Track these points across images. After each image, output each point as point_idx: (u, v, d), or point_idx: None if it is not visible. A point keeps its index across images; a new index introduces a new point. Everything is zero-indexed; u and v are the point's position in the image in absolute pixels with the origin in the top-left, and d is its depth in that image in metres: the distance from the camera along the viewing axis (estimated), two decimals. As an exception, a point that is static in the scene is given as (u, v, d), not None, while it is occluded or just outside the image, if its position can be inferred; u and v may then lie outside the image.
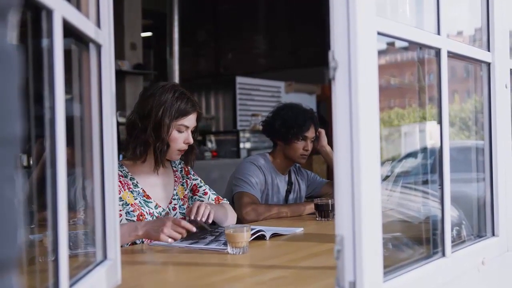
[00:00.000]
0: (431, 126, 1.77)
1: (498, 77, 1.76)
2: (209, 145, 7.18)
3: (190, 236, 2.02)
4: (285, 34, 9.39)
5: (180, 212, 2.33)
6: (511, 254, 1.80)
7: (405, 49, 1.70)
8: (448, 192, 1.47)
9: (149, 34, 9.61)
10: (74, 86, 1.29)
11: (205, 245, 1.95)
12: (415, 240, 1.67)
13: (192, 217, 2.10)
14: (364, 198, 1.11)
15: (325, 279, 1.49)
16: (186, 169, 2.44)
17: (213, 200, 2.42)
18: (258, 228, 2.10)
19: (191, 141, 2.25)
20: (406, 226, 1.84)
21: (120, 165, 2.22)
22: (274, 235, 2.15)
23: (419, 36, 1.43)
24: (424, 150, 2.03)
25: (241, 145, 7.10)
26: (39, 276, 1.20)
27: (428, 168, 1.88)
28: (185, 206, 2.38)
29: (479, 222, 1.81)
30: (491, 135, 1.76)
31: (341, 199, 1.12)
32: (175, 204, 2.32)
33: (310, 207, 2.77)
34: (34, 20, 0.95)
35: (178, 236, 1.91)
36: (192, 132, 2.27)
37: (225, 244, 1.88)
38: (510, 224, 1.80)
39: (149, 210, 2.20)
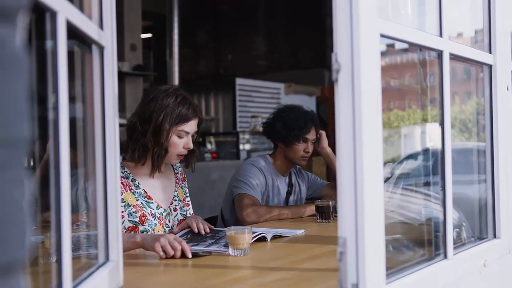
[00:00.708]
0: (431, 128, 1.78)
1: (500, 79, 1.76)
2: (209, 146, 7.18)
3: (190, 239, 2.02)
4: (284, 35, 9.39)
5: (180, 213, 2.33)
6: (513, 256, 1.80)
7: (405, 50, 1.70)
8: (450, 194, 1.47)
9: (149, 35, 9.61)
10: (76, 88, 1.29)
11: (205, 247, 1.95)
12: (417, 242, 1.67)
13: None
14: (367, 200, 1.11)
15: (327, 281, 1.49)
16: (184, 174, 2.45)
17: (190, 214, 2.42)
18: (259, 231, 2.10)
19: (191, 146, 2.24)
20: (407, 228, 1.84)
21: (122, 166, 2.21)
22: (275, 237, 2.15)
23: (421, 38, 1.43)
24: (424, 152, 2.04)
25: (241, 147, 7.10)
26: (41, 278, 1.20)
27: (428, 170, 1.88)
28: (185, 208, 2.38)
29: (481, 224, 1.81)
30: (492, 137, 1.76)
31: (343, 201, 1.12)
32: (175, 205, 2.33)
33: (310, 209, 2.77)
34: (38, 21, 0.95)
35: (171, 252, 1.81)
36: (193, 136, 2.26)
37: (225, 246, 1.88)
38: (512, 226, 1.81)
39: (150, 211, 2.20)
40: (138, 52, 7.59)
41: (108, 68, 1.33)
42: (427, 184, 1.85)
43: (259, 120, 7.05)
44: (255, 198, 2.77)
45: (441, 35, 1.47)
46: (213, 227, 2.20)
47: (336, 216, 2.56)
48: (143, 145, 2.16)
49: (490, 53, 1.76)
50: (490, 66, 1.76)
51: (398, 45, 1.48)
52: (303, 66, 8.75)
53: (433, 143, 1.77)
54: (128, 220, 2.13)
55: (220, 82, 8.69)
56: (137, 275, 1.64)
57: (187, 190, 2.45)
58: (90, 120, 1.31)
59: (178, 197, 2.35)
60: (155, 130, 2.15)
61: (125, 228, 2.13)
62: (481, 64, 1.76)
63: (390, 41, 1.33)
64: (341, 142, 1.13)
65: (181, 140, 2.21)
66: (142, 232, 2.14)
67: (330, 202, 2.62)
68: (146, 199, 2.22)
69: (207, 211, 3.95)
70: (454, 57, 1.54)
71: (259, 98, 7.71)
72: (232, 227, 1.93)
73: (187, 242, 1.98)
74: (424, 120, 1.88)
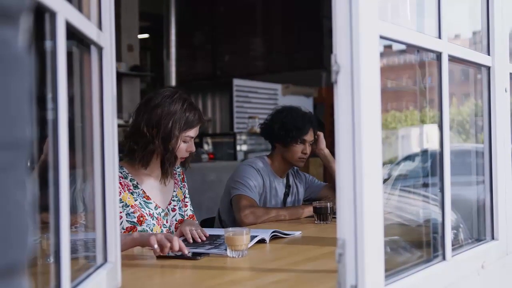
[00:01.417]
0: (429, 129, 1.78)
1: (498, 81, 1.77)
2: (206, 147, 7.17)
3: (190, 244, 2.01)
4: (282, 36, 9.39)
5: (179, 213, 2.33)
6: (511, 257, 1.80)
7: (402, 52, 1.70)
8: (449, 195, 1.47)
9: (146, 35, 9.61)
10: (75, 88, 1.29)
11: (205, 250, 1.93)
12: (415, 243, 1.67)
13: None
14: (366, 201, 1.11)
15: (326, 283, 1.49)
16: (182, 175, 2.45)
17: (187, 216, 2.41)
18: (257, 234, 2.09)
19: (194, 150, 2.28)
20: (406, 229, 1.84)
21: (120, 166, 2.21)
22: (274, 238, 2.15)
23: (420, 40, 1.43)
24: (422, 153, 2.04)
25: (238, 148, 7.09)
26: (38, 279, 1.20)
27: (426, 171, 1.88)
28: (184, 209, 2.38)
29: (479, 226, 1.81)
30: (491, 138, 1.76)
31: (343, 203, 1.12)
32: (174, 206, 2.33)
33: (308, 210, 2.77)
34: (37, 22, 0.95)
35: (167, 243, 1.76)
36: (194, 139, 2.29)
37: (225, 251, 1.87)
38: (510, 228, 1.81)
39: (149, 211, 2.20)
40: (135, 52, 7.59)
41: (107, 68, 1.33)
42: (425, 185, 1.85)
43: (256, 121, 7.04)
44: (252, 199, 2.76)
45: (440, 37, 1.48)
46: (207, 234, 2.12)
47: (334, 218, 2.56)
48: (151, 151, 2.17)
49: (489, 55, 1.76)
50: (488, 68, 1.77)
51: (395, 47, 1.47)
52: (300, 67, 8.75)
53: (431, 144, 1.77)
54: (126, 220, 2.13)
55: (217, 83, 8.68)
56: (135, 276, 1.63)
57: (187, 191, 2.45)
58: (89, 121, 1.31)
59: (177, 197, 2.36)
60: (164, 137, 2.17)
61: (123, 229, 2.13)
62: (479, 66, 1.76)
63: (387, 42, 1.33)
64: (340, 144, 1.12)
65: (185, 144, 2.23)
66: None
67: (328, 204, 2.61)
68: (144, 199, 2.22)
69: (204, 212, 3.94)
70: (453, 59, 1.54)
71: (256, 99, 7.70)
72: (230, 228, 1.93)
73: (187, 247, 1.98)
74: (422, 121, 1.88)
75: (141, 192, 2.22)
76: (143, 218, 2.16)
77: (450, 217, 1.49)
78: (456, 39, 1.90)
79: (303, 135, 2.89)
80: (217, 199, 3.23)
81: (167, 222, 2.28)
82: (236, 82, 7.58)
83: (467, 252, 1.62)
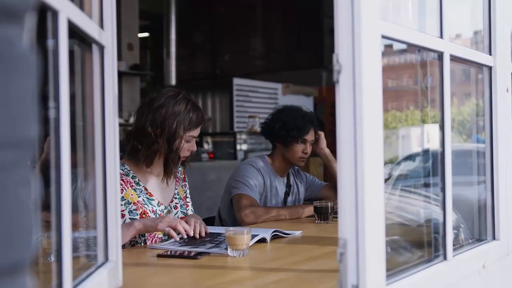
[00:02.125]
0: (430, 129, 1.78)
1: (500, 81, 1.76)
2: (206, 146, 7.17)
3: (189, 243, 2.01)
4: (282, 35, 9.39)
5: (181, 211, 2.34)
6: (512, 257, 1.81)
7: (402, 51, 1.70)
8: (450, 195, 1.47)
9: (146, 34, 9.61)
10: (76, 87, 1.28)
11: (206, 249, 1.94)
12: (416, 243, 1.67)
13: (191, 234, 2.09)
14: (367, 201, 1.11)
15: (327, 282, 1.49)
16: (184, 175, 2.45)
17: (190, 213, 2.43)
18: (258, 233, 2.09)
19: (195, 149, 2.30)
20: (407, 229, 1.83)
21: (122, 163, 2.22)
22: (274, 238, 2.14)
23: (422, 40, 1.43)
24: (422, 153, 2.04)
25: (238, 147, 7.09)
26: (40, 278, 1.19)
27: (427, 171, 1.88)
28: (185, 207, 2.39)
29: (480, 226, 1.81)
30: (492, 138, 1.76)
31: (344, 202, 1.12)
32: (176, 203, 2.34)
33: (309, 210, 2.77)
34: (39, 20, 0.95)
35: (177, 223, 2.00)
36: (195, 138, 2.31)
37: (226, 250, 1.87)
38: (511, 228, 1.81)
39: (152, 208, 2.21)
40: (135, 51, 7.59)
41: (108, 67, 1.33)
42: (426, 185, 1.85)
43: (257, 121, 7.04)
44: (253, 198, 2.76)
45: (441, 37, 1.47)
46: (208, 230, 2.18)
47: (334, 217, 2.56)
48: (155, 151, 2.18)
49: (490, 54, 1.76)
50: (490, 68, 1.76)
51: (396, 46, 1.47)
52: (301, 66, 8.75)
53: (432, 144, 1.77)
54: (129, 218, 2.14)
55: (218, 82, 8.67)
56: (136, 275, 1.63)
57: (188, 190, 2.46)
58: (90, 119, 1.31)
59: (178, 195, 2.37)
60: (169, 138, 2.19)
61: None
62: (481, 65, 1.76)
63: (387, 42, 1.33)
64: (341, 143, 1.12)
65: (187, 144, 2.25)
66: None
67: (329, 203, 2.61)
68: (147, 196, 2.23)
69: (204, 211, 3.94)
70: (454, 59, 1.53)
71: (257, 98, 7.70)
72: (231, 227, 1.93)
73: (185, 246, 1.98)
74: (423, 121, 1.88)
75: (143, 189, 2.23)
76: (146, 215, 2.17)
77: (451, 217, 1.49)
78: (457, 39, 1.90)
79: (304, 134, 2.89)
80: (217, 198, 3.23)
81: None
82: (236, 81, 7.58)
83: (468, 252, 1.62)
